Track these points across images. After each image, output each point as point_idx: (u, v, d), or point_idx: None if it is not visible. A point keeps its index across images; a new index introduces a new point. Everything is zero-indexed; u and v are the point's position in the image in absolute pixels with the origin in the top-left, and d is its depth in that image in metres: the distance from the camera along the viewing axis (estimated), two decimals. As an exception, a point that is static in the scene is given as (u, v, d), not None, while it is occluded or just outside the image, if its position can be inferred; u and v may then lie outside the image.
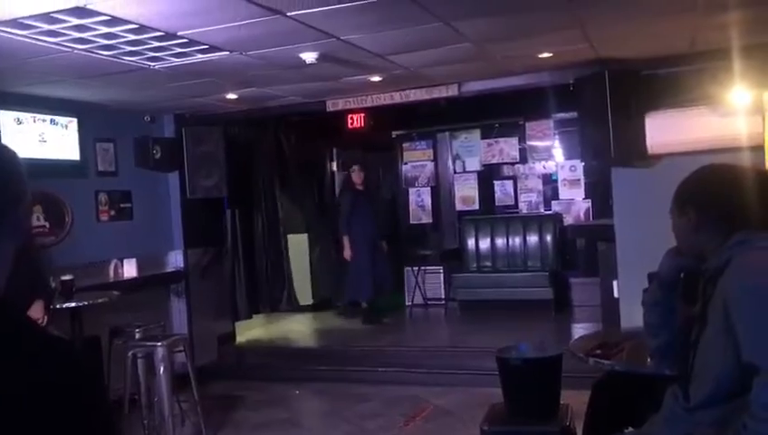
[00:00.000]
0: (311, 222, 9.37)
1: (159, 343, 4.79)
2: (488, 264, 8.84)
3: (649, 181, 5.25)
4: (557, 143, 9.00)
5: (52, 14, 3.47)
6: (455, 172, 9.51)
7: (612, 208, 5.84)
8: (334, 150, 9.77)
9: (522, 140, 9.14)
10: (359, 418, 5.38)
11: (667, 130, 5.32)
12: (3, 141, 1.10)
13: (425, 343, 7.24)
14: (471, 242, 8.93)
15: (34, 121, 5.55)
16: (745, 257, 1.80)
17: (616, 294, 5.68)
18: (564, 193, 8.95)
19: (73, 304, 4.73)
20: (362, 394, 5.89)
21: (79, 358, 1.02)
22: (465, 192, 9.45)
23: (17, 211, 1.06)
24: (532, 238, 8.71)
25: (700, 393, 1.88)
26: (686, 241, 2.02)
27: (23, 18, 3.51)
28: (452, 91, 6.23)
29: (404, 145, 9.75)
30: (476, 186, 9.40)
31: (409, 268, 9.04)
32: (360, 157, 8.78)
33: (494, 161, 9.28)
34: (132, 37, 3.98)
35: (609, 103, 5.34)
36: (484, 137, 9.30)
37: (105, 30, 3.79)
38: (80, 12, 3.44)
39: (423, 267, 9.04)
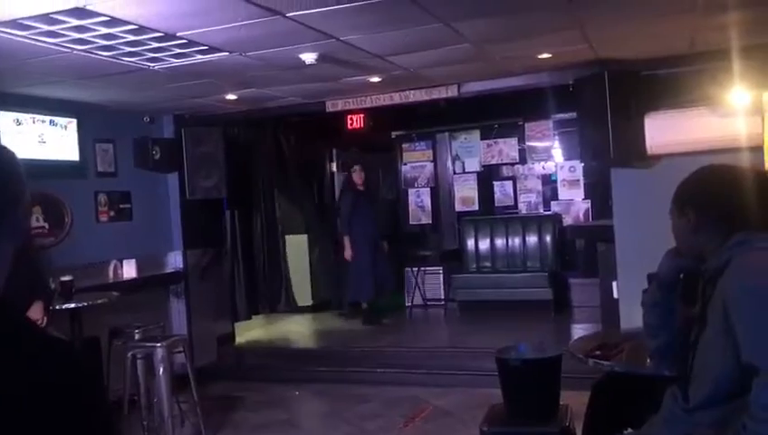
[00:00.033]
0: (310, 223, 9.36)
1: (159, 344, 4.79)
2: (488, 264, 8.84)
3: (649, 182, 5.25)
4: (556, 144, 9.00)
5: (51, 15, 3.47)
6: (454, 173, 9.52)
7: (612, 209, 5.84)
8: (334, 151, 9.75)
9: (521, 140, 9.15)
10: (358, 419, 5.38)
11: (667, 131, 5.32)
12: (2, 142, 1.09)
13: (424, 344, 7.24)
14: (470, 243, 8.93)
15: (34, 122, 5.55)
16: (745, 258, 1.80)
17: (615, 295, 5.68)
18: (564, 194, 8.96)
19: (73, 305, 4.73)
20: (362, 395, 5.89)
21: (78, 359, 1.02)
22: (465, 193, 9.45)
23: (16, 212, 1.06)
24: (532, 239, 8.72)
25: (699, 394, 1.88)
26: (686, 242, 2.02)
27: (22, 19, 3.51)
28: (451, 91, 6.23)
29: (403, 146, 9.75)
30: (476, 186, 9.41)
31: (409, 269, 9.04)
32: (360, 157, 8.78)
33: (494, 162, 9.29)
34: (132, 38, 3.98)
35: (608, 104, 5.34)
36: (483, 137, 9.31)
37: (104, 31, 3.79)
38: (79, 12, 3.44)
39: (422, 268, 9.04)
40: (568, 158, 8.85)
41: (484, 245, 8.88)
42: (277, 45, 4.37)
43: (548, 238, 8.65)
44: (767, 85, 4.94)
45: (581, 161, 7.95)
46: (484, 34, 4.57)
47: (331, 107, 6.66)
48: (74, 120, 5.85)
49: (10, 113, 5.37)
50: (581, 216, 8.83)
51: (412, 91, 6.32)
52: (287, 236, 9.25)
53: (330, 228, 9.38)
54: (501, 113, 8.62)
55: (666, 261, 2.10)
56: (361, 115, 7.12)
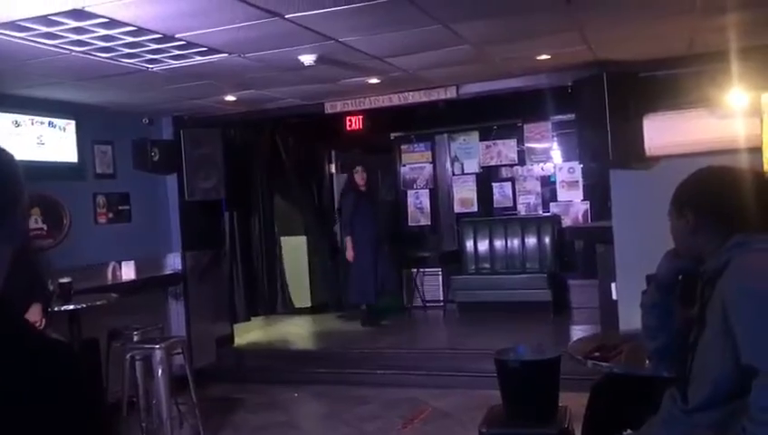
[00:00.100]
0: (309, 224, 9.36)
1: (158, 346, 4.79)
2: (487, 266, 8.84)
3: (648, 183, 5.25)
4: (555, 145, 9.00)
5: (49, 17, 3.46)
6: (453, 174, 9.51)
7: (611, 210, 5.84)
8: (333, 152, 9.75)
9: (520, 141, 9.14)
10: (357, 420, 5.37)
11: (666, 132, 5.33)
12: (0, 144, 1.09)
13: (424, 346, 7.24)
14: (469, 244, 8.93)
15: (32, 124, 5.55)
16: (744, 259, 1.80)
17: (614, 296, 5.68)
18: (563, 195, 8.95)
19: (71, 307, 4.73)
20: (361, 397, 5.89)
21: (77, 360, 1.02)
22: (464, 194, 9.45)
23: (15, 213, 1.06)
24: (531, 240, 8.71)
25: (698, 395, 1.87)
26: (685, 243, 2.02)
27: (20, 20, 3.51)
28: (450, 93, 6.23)
29: (402, 147, 9.74)
30: (475, 188, 9.40)
31: (408, 270, 9.03)
32: (361, 158, 8.77)
33: (493, 163, 9.29)
34: (130, 39, 3.98)
35: (607, 105, 5.34)
36: (482, 139, 9.30)
37: (103, 32, 3.79)
38: (78, 14, 3.43)
39: (422, 269, 9.04)
40: (567, 159, 8.84)
41: (483, 246, 8.87)
42: (276, 47, 4.37)
43: (547, 240, 8.65)
44: (765, 86, 4.95)
45: (580, 163, 7.94)
46: (483, 36, 4.58)
47: (329, 108, 6.67)
48: (73, 122, 5.85)
49: (8, 115, 5.37)
50: (580, 217, 8.83)
51: (411, 93, 6.32)
52: (286, 238, 9.23)
53: (329, 230, 9.36)
54: (500, 115, 8.61)
55: (664, 262, 2.10)
56: (360, 116, 7.11)
